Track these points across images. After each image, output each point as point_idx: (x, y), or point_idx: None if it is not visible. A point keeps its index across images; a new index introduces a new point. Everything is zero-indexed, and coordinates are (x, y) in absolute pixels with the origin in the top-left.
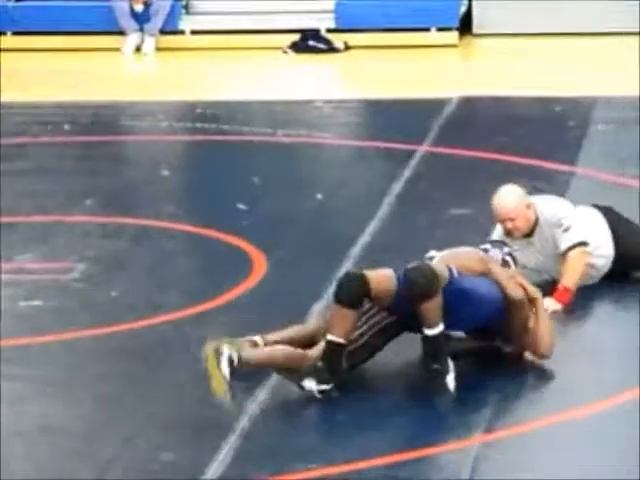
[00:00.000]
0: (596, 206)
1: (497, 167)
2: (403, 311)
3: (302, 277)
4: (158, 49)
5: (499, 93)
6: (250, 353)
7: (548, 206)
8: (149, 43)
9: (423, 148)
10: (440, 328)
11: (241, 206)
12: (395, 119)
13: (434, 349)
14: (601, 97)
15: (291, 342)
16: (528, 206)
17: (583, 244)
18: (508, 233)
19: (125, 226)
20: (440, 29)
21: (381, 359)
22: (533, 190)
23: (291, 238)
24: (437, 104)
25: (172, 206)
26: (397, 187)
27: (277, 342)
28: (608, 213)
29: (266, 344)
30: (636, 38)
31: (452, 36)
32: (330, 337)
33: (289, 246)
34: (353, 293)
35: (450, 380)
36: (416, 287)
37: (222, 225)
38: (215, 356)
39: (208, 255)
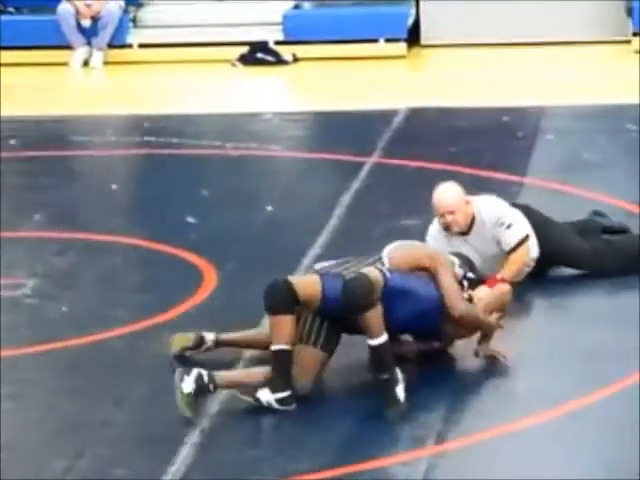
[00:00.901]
0: (515, 205)
1: (446, 178)
2: (332, 315)
3: (253, 290)
4: (106, 63)
5: (447, 104)
6: (221, 374)
7: (486, 206)
8: (97, 57)
9: (372, 159)
10: (384, 338)
11: (190, 219)
12: (344, 131)
13: (380, 359)
14: (549, 107)
15: (248, 344)
16: (467, 202)
17: (527, 239)
18: (447, 227)
19: (75, 241)
20: (388, 40)
21: (331, 369)
22: None
23: (241, 251)
24: (386, 115)
25: (121, 220)
26: (347, 198)
27: (231, 342)
28: (528, 212)
29: (219, 343)
30: (584, 47)
31: (400, 47)
32: (274, 347)
33: (239, 259)
34: (282, 298)
35: (400, 390)
36: (355, 299)
37: (172, 239)
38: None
39: (158, 269)
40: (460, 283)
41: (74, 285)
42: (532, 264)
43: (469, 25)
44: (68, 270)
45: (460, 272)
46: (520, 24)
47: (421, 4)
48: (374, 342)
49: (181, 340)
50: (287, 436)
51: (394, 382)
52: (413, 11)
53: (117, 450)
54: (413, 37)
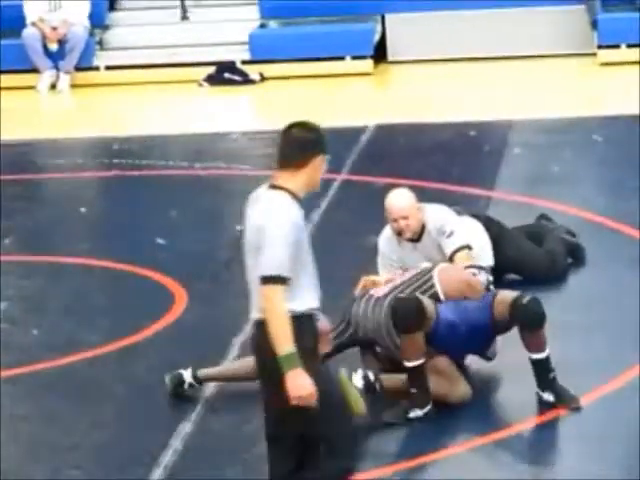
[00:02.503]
0: (475, 216)
1: (415, 193)
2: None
3: (223, 310)
4: (73, 86)
5: (415, 119)
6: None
7: (433, 214)
8: (64, 80)
9: (341, 177)
10: (419, 362)
11: (160, 241)
12: None
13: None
14: (516, 121)
15: (228, 378)
16: (419, 209)
17: (467, 247)
18: (399, 233)
19: (44, 264)
20: (355, 57)
21: None
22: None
23: (211, 271)
24: (353, 132)
25: (91, 243)
26: (316, 216)
27: (210, 377)
28: (488, 222)
29: (198, 380)
30: (550, 61)
31: (367, 64)
32: (411, 364)
33: (209, 279)
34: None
35: (413, 413)
36: (400, 320)
37: (141, 260)
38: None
39: (128, 291)
40: (488, 288)
41: (44, 308)
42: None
43: (435, 41)
44: (38, 293)
45: (484, 278)
46: (486, 39)
47: (387, 21)
48: (408, 364)
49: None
50: (260, 455)
51: (416, 405)
52: (379, 28)
53: (90, 473)
54: (379, 54)
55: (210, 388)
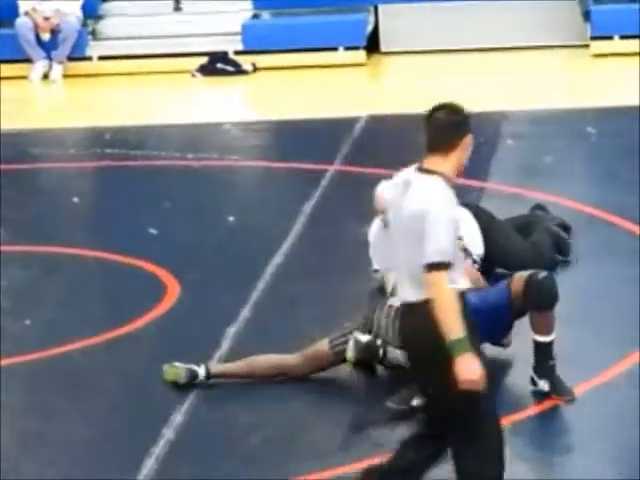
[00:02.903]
0: (466, 205)
1: None
2: None
3: (216, 300)
4: (66, 76)
5: (408, 110)
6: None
7: None
8: (57, 70)
9: (333, 167)
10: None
11: (152, 231)
12: (305, 139)
13: None
14: (509, 112)
15: (242, 375)
16: None
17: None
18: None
19: (36, 254)
20: (348, 48)
21: (298, 382)
22: None
23: (204, 261)
24: (346, 123)
25: (83, 233)
26: (309, 207)
27: (223, 374)
28: (477, 212)
29: (211, 376)
30: (543, 52)
31: (360, 55)
32: (543, 338)
33: (202, 270)
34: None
35: (417, 401)
36: None
37: (134, 251)
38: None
39: (121, 281)
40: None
41: (36, 299)
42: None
43: (428, 32)
44: (30, 284)
45: (475, 267)
46: (479, 30)
47: (380, 11)
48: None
49: (172, 374)
50: (253, 445)
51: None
52: (372, 19)
53: (82, 463)
54: (372, 45)
55: (202, 380)
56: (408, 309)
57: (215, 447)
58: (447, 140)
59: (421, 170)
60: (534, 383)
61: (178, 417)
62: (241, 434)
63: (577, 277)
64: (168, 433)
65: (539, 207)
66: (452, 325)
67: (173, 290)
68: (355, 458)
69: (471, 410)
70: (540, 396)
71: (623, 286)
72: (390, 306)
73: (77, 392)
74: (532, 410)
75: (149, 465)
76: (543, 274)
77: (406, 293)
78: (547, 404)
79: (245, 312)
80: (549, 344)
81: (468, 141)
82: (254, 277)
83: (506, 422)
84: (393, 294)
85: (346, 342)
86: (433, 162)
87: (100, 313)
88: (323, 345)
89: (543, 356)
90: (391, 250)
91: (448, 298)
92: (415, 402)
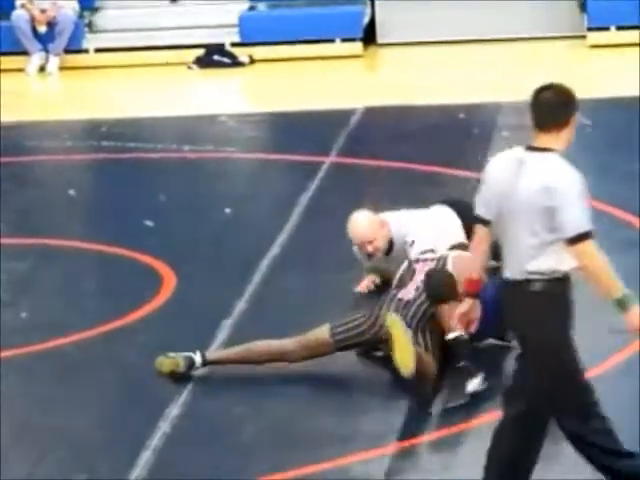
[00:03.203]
0: (447, 201)
1: (404, 176)
2: None
3: (212, 292)
4: (62, 68)
5: (404, 102)
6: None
7: (396, 225)
8: (53, 63)
9: (330, 159)
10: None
11: (149, 223)
12: (301, 131)
13: (455, 352)
14: (505, 103)
15: (239, 361)
16: (382, 224)
17: (430, 251)
18: (370, 256)
19: (33, 247)
20: (344, 40)
21: (290, 369)
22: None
23: (200, 254)
24: (343, 115)
25: (79, 225)
26: (305, 199)
27: (220, 360)
28: (459, 206)
29: (207, 362)
30: (540, 43)
31: (356, 47)
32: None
33: (198, 262)
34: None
35: (471, 384)
36: (432, 289)
37: (130, 243)
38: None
39: (117, 273)
40: None
41: (33, 291)
42: None
43: (425, 23)
44: (27, 276)
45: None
46: (475, 21)
47: (376, 3)
48: (449, 336)
49: (170, 364)
50: (248, 437)
51: (465, 373)
52: (368, 10)
53: (78, 454)
54: (369, 36)
55: (198, 371)
56: (517, 285)
57: (211, 439)
58: (558, 118)
59: (533, 149)
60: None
61: (174, 409)
62: (237, 426)
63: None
64: (164, 426)
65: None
66: (612, 284)
67: (169, 282)
68: (351, 451)
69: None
70: None
71: (620, 276)
72: (400, 299)
73: (73, 384)
74: None
75: (145, 457)
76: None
77: (515, 271)
78: None
79: (241, 304)
80: None
81: (576, 118)
82: (250, 269)
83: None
84: (400, 286)
85: (348, 331)
86: (545, 141)
87: (97, 305)
88: (324, 332)
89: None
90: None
91: (602, 262)
92: (470, 387)
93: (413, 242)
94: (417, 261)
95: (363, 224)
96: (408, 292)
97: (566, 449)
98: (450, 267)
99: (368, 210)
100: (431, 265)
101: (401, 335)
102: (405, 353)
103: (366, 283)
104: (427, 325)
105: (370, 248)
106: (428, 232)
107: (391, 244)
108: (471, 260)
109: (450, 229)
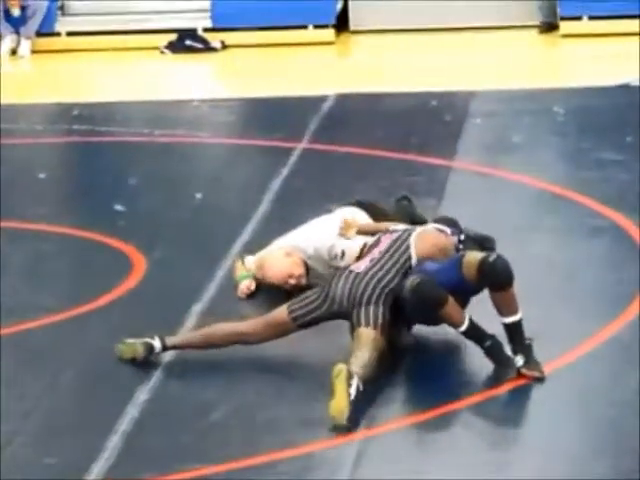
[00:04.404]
0: (358, 202)
1: (376, 163)
2: None
3: (182, 277)
4: (34, 51)
5: (376, 89)
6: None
7: (311, 242)
8: (25, 46)
9: (301, 145)
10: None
11: (119, 207)
12: (273, 117)
13: (472, 336)
14: (478, 91)
15: (198, 345)
16: (289, 254)
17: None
18: (296, 287)
19: (2, 229)
20: (317, 26)
21: (263, 355)
22: (412, 185)
23: (170, 238)
24: (315, 101)
25: (49, 208)
26: (276, 184)
27: (179, 345)
28: (372, 210)
29: (166, 347)
30: (513, 32)
31: (329, 33)
32: (511, 319)
33: (168, 246)
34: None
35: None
36: (426, 299)
37: (100, 226)
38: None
39: (86, 257)
40: (457, 249)
41: (1, 273)
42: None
43: (397, 11)
44: None
45: (455, 239)
46: (449, 9)
47: None
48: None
49: (129, 351)
50: (216, 422)
51: (498, 345)
52: None
53: (46, 439)
54: (342, 23)
55: (167, 356)
56: None
57: (179, 424)
58: None
59: None
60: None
61: (143, 394)
62: (205, 411)
63: (544, 255)
64: (133, 410)
65: (405, 198)
66: None
67: (139, 266)
68: (319, 437)
69: None
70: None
71: (590, 264)
72: (350, 271)
73: (41, 367)
74: (499, 389)
75: (114, 442)
76: (493, 257)
77: None
78: (512, 385)
79: (211, 290)
80: (518, 323)
81: None
82: (221, 254)
83: (469, 402)
84: (360, 258)
85: (303, 307)
86: None
87: (65, 289)
88: (281, 311)
89: (516, 335)
90: None
91: None
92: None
93: (343, 253)
94: (386, 232)
95: (279, 263)
96: (361, 264)
97: None
98: (414, 239)
99: (251, 255)
100: (395, 236)
101: (342, 390)
102: (342, 409)
103: (245, 286)
104: (380, 298)
105: (294, 281)
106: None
107: (306, 266)
108: (432, 236)
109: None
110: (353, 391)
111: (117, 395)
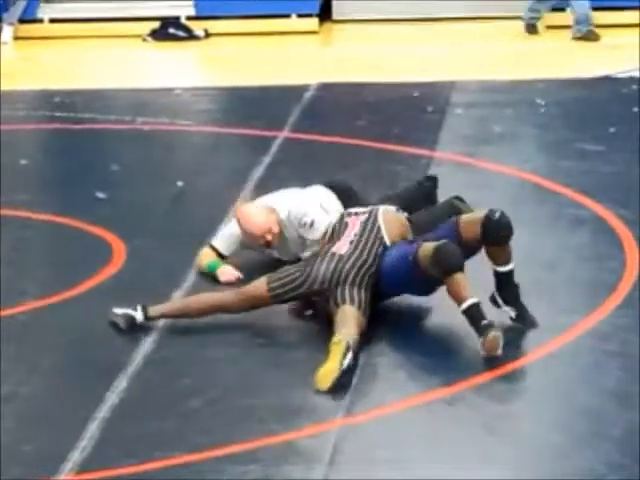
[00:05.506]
0: (329, 184)
1: (357, 152)
2: None
3: (162, 265)
4: (17, 38)
5: (359, 79)
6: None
7: (286, 206)
8: (7, 32)
9: (283, 134)
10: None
11: (100, 195)
12: (256, 105)
13: (472, 317)
14: (460, 82)
15: (180, 314)
16: (272, 211)
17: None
18: (268, 245)
19: None
20: (300, 15)
21: (244, 341)
22: (393, 174)
23: (151, 226)
24: (297, 90)
25: (30, 195)
26: (258, 173)
27: (162, 315)
28: (343, 192)
29: (149, 318)
30: (495, 23)
31: (312, 22)
32: (505, 268)
33: (149, 234)
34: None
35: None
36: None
37: (81, 214)
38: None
39: (67, 244)
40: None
41: None
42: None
43: (381, 1)
44: None
45: (404, 215)
46: (431, 0)
47: None
48: (462, 306)
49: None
50: (196, 410)
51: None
52: None
53: (23, 426)
54: (325, 12)
55: (147, 343)
56: None
57: (159, 411)
58: None
59: None
60: (497, 305)
61: (122, 381)
62: (184, 398)
63: (525, 246)
64: (112, 397)
65: (430, 179)
66: None
67: (120, 254)
68: (298, 425)
69: None
70: (490, 363)
71: (571, 255)
72: (333, 253)
73: (21, 354)
74: (480, 378)
75: (92, 429)
76: (498, 213)
77: None
78: (492, 375)
79: (191, 277)
80: (510, 272)
81: None
82: (201, 242)
83: (449, 392)
84: (332, 240)
85: (283, 285)
86: None
87: (46, 276)
88: (261, 286)
89: (507, 283)
90: None
91: None
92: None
93: (312, 223)
94: (349, 214)
95: (259, 215)
96: (342, 246)
97: None
98: (381, 219)
99: (250, 201)
100: (362, 218)
101: (336, 357)
102: (329, 373)
103: (229, 276)
104: (363, 281)
105: (270, 237)
106: (317, 208)
107: (280, 228)
108: (395, 216)
109: (336, 207)
110: (346, 362)
111: (96, 382)
